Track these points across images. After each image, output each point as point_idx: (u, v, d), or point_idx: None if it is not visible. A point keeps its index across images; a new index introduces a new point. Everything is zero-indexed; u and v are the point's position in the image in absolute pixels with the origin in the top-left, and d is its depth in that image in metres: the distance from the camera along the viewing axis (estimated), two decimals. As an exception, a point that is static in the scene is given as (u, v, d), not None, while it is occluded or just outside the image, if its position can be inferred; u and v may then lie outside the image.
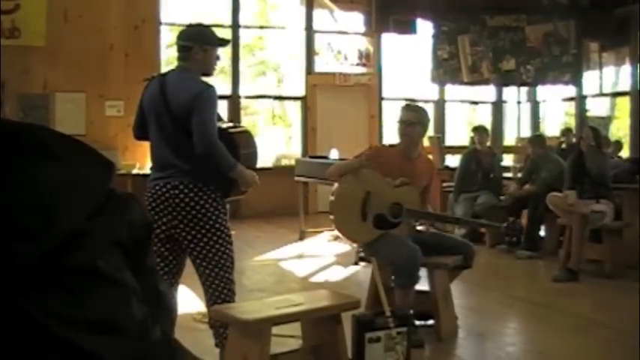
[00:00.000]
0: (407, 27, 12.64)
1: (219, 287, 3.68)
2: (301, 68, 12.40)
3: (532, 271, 7.60)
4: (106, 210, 0.75)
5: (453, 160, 10.99)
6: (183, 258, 3.77)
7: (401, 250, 4.49)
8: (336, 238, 8.58)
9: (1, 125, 0.78)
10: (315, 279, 6.88)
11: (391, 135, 11.35)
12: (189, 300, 5.25)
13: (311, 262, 7.70)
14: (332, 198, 4.81)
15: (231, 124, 4.00)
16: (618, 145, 11.00)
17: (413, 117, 4.92)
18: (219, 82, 11.33)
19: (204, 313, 4.14)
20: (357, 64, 12.54)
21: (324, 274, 7.10)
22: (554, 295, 6.27)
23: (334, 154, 9.16)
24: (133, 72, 9.99)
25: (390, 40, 12.78)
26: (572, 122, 13.52)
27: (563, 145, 9.97)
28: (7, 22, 9.98)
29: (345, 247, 8.27)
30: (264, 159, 11.70)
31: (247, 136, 3.90)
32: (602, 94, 13.04)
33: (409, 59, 13.40)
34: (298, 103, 12.70)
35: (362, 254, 5.03)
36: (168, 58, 10.82)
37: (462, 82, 12.76)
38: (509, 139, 13.70)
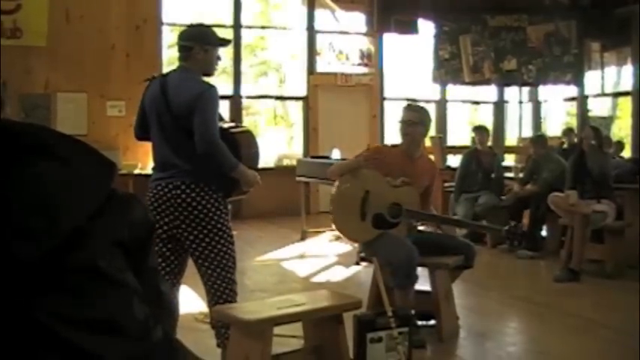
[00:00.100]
0: (408, 27, 12.64)
1: (220, 287, 3.69)
2: (303, 68, 12.40)
3: (533, 271, 7.59)
4: (107, 210, 0.75)
5: (454, 160, 10.98)
6: (185, 258, 3.77)
7: (398, 250, 4.49)
8: (338, 238, 8.57)
9: (3, 125, 0.78)
10: (316, 279, 6.88)
11: (393, 135, 11.34)
12: (191, 300, 5.25)
13: (313, 262, 7.70)
14: (331, 197, 4.82)
15: (232, 124, 4.00)
16: (620, 145, 10.99)
17: (414, 117, 4.92)
18: (221, 82, 11.35)
19: (206, 313, 4.14)
20: (359, 64, 12.54)
21: (326, 274, 7.10)
22: (556, 295, 6.27)
23: (336, 154, 9.16)
24: (135, 72, 10.00)
25: (391, 40, 12.78)
26: (573, 122, 13.50)
27: (565, 145, 9.96)
28: (8, 22, 9.98)
29: (346, 247, 8.27)
30: (266, 159, 11.72)
31: (249, 136, 3.90)
32: (603, 94, 13.03)
33: (411, 59, 13.40)
34: (300, 103, 12.70)
35: (363, 254, 5.02)
36: (170, 58, 10.82)
37: (464, 82, 12.75)
38: (511, 139, 13.70)
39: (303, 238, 9.12)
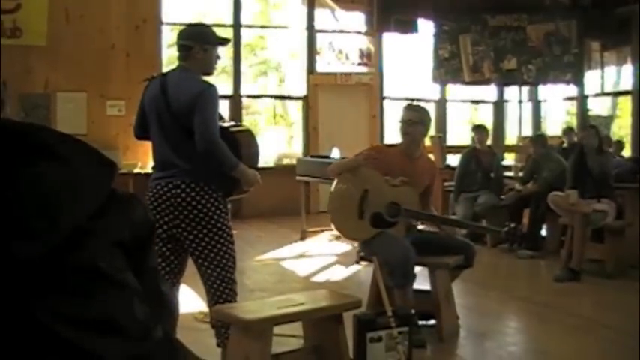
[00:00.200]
0: (408, 26, 12.63)
1: (220, 287, 3.69)
2: (303, 68, 12.40)
3: (533, 270, 7.59)
4: (107, 210, 0.75)
5: (454, 160, 10.97)
6: (185, 258, 3.77)
7: (395, 250, 4.49)
8: (338, 237, 8.57)
9: (3, 125, 0.78)
10: (316, 278, 6.88)
11: (392, 134, 11.35)
12: (190, 299, 5.25)
13: (312, 262, 7.71)
14: (330, 195, 4.82)
15: (232, 124, 4.00)
16: (620, 145, 10.99)
17: (415, 116, 4.92)
18: (221, 81, 11.35)
19: (206, 312, 4.14)
20: (359, 64, 12.53)
21: (326, 273, 7.10)
22: (556, 294, 6.27)
23: (335, 154, 9.16)
24: (135, 72, 9.99)
25: (391, 39, 12.77)
26: (573, 122, 13.51)
27: (565, 145, 9.96)
28: (8, 22, 9.98)
29: (346, 246, 8.27)
30: (266, 158, 11.72)
31: (249, 135, 3.90)
32: (603, 94, 13.03)
33: (410, 59, 13.39)
34: (300, 103, 12.70)
35: (362, 254, 5.03)
36: (170, 58, 10.81)
37: (464, 82, 12.75)
38: (511, 138, 13.70)
39: (302, 238, 9.12)
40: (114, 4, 10.74)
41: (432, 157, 10.13)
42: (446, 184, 9.25)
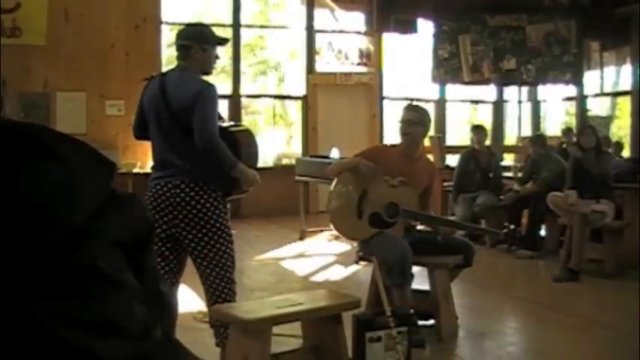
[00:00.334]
0: (408, 26, 12.63)
1: (219, 286, 3.69)
2: (302, 67, 12.40)
3: (532, 270, 7.59)
4: (107, 210, 0.75)
5: (453, 160, 10.98)
6: (184, 257, 3.77)
7: (392, 249, 4.49)
8: (337, 237, 8.57)
9: (2, 125, 0.78)
10: (315, 278, 6.88)
11: (392, 134, 11.35)
12: (189, 299, 5.25)
13: (311, 262, 7.71)
14: (329, 194, 4.82)
15: (232, 123, 4.00)
16: (619, 145, 10.99)
17: (414, 117, 4.92)
18: (220, 81, 11.35)
19: (205, 312, 4.14)
20: (358, 64, 12.53)
21: (325, 273, 7.10)
22: (555, 294, 6.27)
23: (335, 154, 9.16)
24: (134, 71, 9.98)
25: (390, 39, 12.78)
26: (572, 122, 13.51)
27: (564, 145, 9.96)
28: (7, 21, 9.98)
29: (345, 246, 8.27)
30: (265, 158, 11.71)
31: (248, 134, 3.89)
32: (602, 94, 13.04)
33: (410, 59, 13.40)
34: (299, 103, 12.70)
35: (361, 253, 5.03)
36: (169, 58, 10.81)
37: (463, 82, 12.75)
38: (510, 138, 13.70)
39: (302, 238, 9.12)
40: (113, 4, 10.74)
41: (431, 157, 10.14)
42: (445, 184, 9.26)
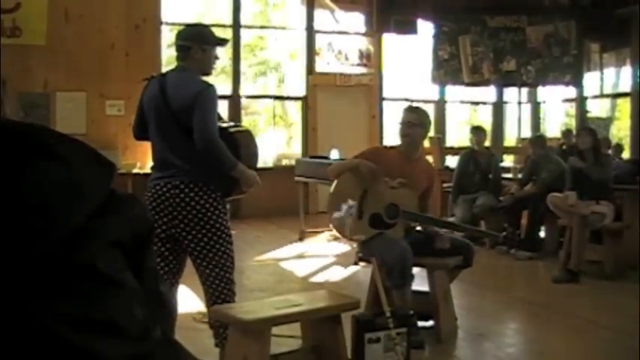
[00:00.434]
0: (408, 27, 12.64)
1: (219, 287, 3.68)
2: (302, 68, 12.40)
3: (532, 272, 7.59)
4: (106, 210, 0.75)
5: (453, 161, 10.99)
6: (184, 258, 3.77)
7: (392, 250, 4.49)
8: (336, 238, 8.58)
9: (2, 125, 0.78)
10: (315, 279, 6.88)
11: (392, 135, 11.36)
12: (189, 300, 5.25)
13: (311, 263, 7.71)
14: (329, 195, 4.82)
15: (232, 124, 4.00)
16: (619, 147, 10.99)
17: (414, 118, 4.92)
18: (220, 81, 11.35)
19: (205, 312, 4.14)
20: (358, 65, 12.53)
21: (324, 274, 7.10)
22: (554, 295, 6.27)
23: (335, 154, 9.16)
24: (134, 71, 9.99)
25: (390, 40, 12.78)
26: (572, 123, 13.52)
27: (564, 147, 9.96)
28: (7, 21, 9.98)
29: (345, 247, 8.27)
30: (265, 159, 11.71)
31: (248, 135, 3.89)
32: (602, 95, 13.04)
33: (410, 59, 13.40)
34: (299, 103, 12.70)
35: (361, 254, 5.03)
36: (169, 58, 10.81)
37: (463, 83, 12.76)
38: (510, 139, 13.70)
39: (301, 238, 9.12)
40: (113, 4, 10.74)
41: (430, 158, 10.15)
42: (445, 185, 9.26)
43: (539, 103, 13.90)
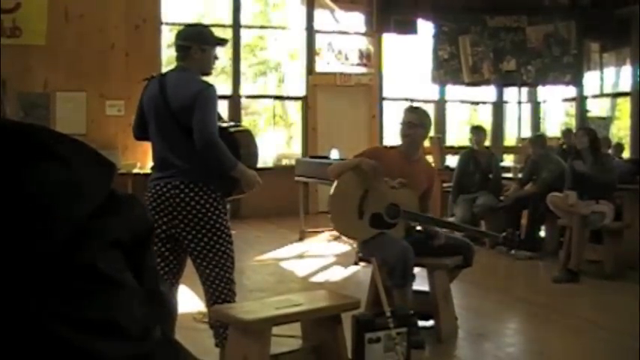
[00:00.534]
0: (408, 27, 12.64)
1: (219, 287, 3.68)
2: (302, 68, 12.40)
3: (532, 271, 7.59)
4: (106, 210, 0.75)
5: (453, 161, 10.98)
6: (184, 258, 3.77)
7: (394, 250, 4.49)
8: (337, 238, 8.59)
9: (2, 125, 0.78)
10: (315, 279, 6.88)
11: (392, 135, 11.36)
12: (189, 300, 5.25)
13: (311, 262, 7.71)
14: (330, 194, 4.82)
15: (231, 123, 4.00)
16: (620, 147, 10.99)
17: (415, 119, 4.93)
18: (220, 81, 11.36)
19: (205, 312, 4.14)
20: (358, 64, 12.53)
21: (325, 274, 7.10)
22: (554, 295, 6.27)
23: (335, 154, 9.16)
24: (134, 71, 9.99)
25: (390, 40, 12.78)
26: (572, 123, 13.51)
27: (564, 146, 9.96)
28: (7, 21, 9.98)
29: (345, 247, 8.27)
30: (265, 159, 11.71)
31: (248, 135, 3.89)
32: (602, 95, 13.04)
33: (410, 59, 13.40)
34: (299, 103, 12.71)
35: (361, 254, 5.03)
36: (169, 58, 10.81)
37: (463, 83, 12.76)
38: (510, 139, 13.71)
39: (301, 238, 9.12)
40: (113, 4, 10.74)
41: (430, 157, 10.15)
42: (445, 184, 9.26)
43: (539, 103, 13.90)
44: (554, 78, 12.63)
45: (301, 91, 12.41)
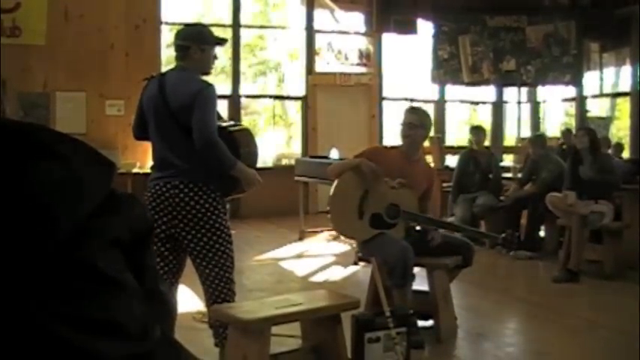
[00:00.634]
0: (407, 27, 12.64)
1: (219, 287, 3.68)
2: (302, 68, 12.40)
3: (532, 271, 7.59)
4: (106, 210, 0.75)
5: (453, 161, 10.98)
6: (184, 257, 3.77)
7: (394, 250, 4.50)
8: (336, 238, 8.59)
9: (2, 125, 0.78)
10: (314, 279, 6.88)
11: (392, 135, 11.36)
12: (188, 299, 5.25)
13: (311, 262, 7.71)
14: (330, 194, 4.83)
15: (231, 123, 4.00)
16: (620, 147, 10.99)
17: (415, 119, 4.93)
18: (220, 81, 11.36)
19: (204, 312, 4.14)
20: (358, 64, 12.53)
21: (324, 273, 7.10)
22: (554, 295, 6.27)
23: (334, 154, 9.16)
24: (134, 71, 9.99)
25: (390, 40, 12.78)
26: (572, 123, 13.51)
27: (564, 146, 9.96)
28: (7, 21, 9.98)
29: (344, 247, 8.27)
30: (265, 158, 11.71)
31: (247, 134, 3.89)
32: (602, 95, 13.04)
33: (410, 59, 13.40)
34: (299, 103, 12.71)
35: (360, 254, 5.04)
36: (169, 58, 10.81)
37: (463, 83, 12.75)
38: (510, 139, 13.70)
39: (301, 238, 9.12)
40: (113, 4, 10.74)
41: (430, 157, 10.15)
42: (444, 184, 9.26)
43: (538, 103, 13.90)
44: (554, 78, 12.63)
45: (301, 91, 12.41)
